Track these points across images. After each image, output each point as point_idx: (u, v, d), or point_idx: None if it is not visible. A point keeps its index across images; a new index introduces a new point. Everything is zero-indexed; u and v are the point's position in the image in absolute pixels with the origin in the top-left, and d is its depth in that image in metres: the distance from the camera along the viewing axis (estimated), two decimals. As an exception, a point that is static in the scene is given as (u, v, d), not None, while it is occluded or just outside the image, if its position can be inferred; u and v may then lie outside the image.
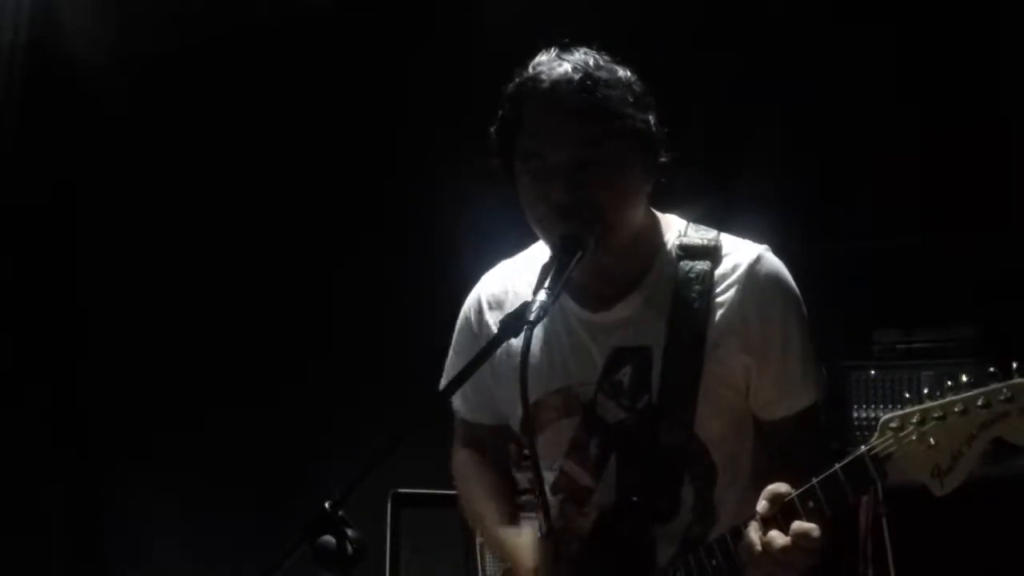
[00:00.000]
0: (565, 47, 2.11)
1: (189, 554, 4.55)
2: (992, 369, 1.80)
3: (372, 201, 4.43)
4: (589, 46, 2.12)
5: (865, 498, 3.12)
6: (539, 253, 2.22)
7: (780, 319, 2.12)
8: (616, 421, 2.17)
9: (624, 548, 2.15)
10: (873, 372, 3.53)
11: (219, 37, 4.46)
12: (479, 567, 2.87)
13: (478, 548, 2.92)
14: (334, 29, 4.42)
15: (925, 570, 3.18)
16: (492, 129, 2.15)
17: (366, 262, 4.42)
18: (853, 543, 3.20)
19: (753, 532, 1.94)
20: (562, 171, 2.04)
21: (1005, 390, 1.78)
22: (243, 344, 4.52)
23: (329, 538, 1.75)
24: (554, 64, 2.08)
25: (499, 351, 2.04)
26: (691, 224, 2.23)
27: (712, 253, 2.16)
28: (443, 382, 2.38)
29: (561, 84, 2.05)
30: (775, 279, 2.15)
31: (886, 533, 3.18)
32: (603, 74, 2.06)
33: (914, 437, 1.84)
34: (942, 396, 1.84)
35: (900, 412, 1.86)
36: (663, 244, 2.19)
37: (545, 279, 1.98)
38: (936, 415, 1.83)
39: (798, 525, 1.90)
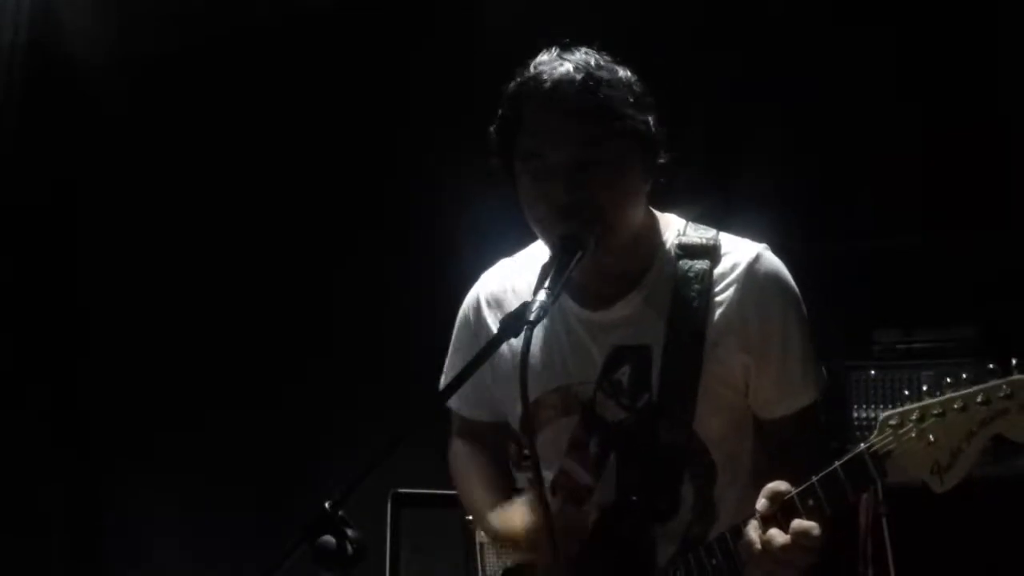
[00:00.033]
0: (566, 47, 2.11)
1: (189, 554, 4.55)
2: (992, 366, 1.80)
3: (372, 201, 4.43)
4: (589, 46, 2.12)
5: (865, 497, 3.12)
6: (539, 252, 2.22)
7: (779, 318, 2.12)
8: (616, 420, 2.16)
9: (624, 547, 2.15)
10: (873, 372, 3.53)
11: (219, 37, 4.46)
12: (479, 567, 2.86)
13: (478, 548, 2.92)
14: (334, 29, 4.42)
15: (925, 569, 3.18)
16: (492, 129, 2.15)
17: (366, 262, 4.42)
18: (853, 542, 3.20)
19: (753, 531, 1.93)
20: (562, 171, 2.04)
21: (1005, 387, 1.78)
22: (243, 344, 4.51)
23: (329, 538, 1.74)
24: (555, 64, 2.08)
25: (499, 350, 2.03)
26: (690, 223, 2.23)
27: (711, 252, 2.16)
28: (443, 380, 2.39)
29: (562, 84, 2.05)
30: (774, 278, 2.15)
31: (886, 532, 3.19)
32: (604, 74, 2.06)
33: (913, 434, 1.84)
34: (942, 393, 1.83)
35: (900, 409, 1.86)
36: (662, 243, 2.19)
37: (545, 279, 1.97)
38: (936, 412, 1.83)
39: (798, 523, 1.89)
